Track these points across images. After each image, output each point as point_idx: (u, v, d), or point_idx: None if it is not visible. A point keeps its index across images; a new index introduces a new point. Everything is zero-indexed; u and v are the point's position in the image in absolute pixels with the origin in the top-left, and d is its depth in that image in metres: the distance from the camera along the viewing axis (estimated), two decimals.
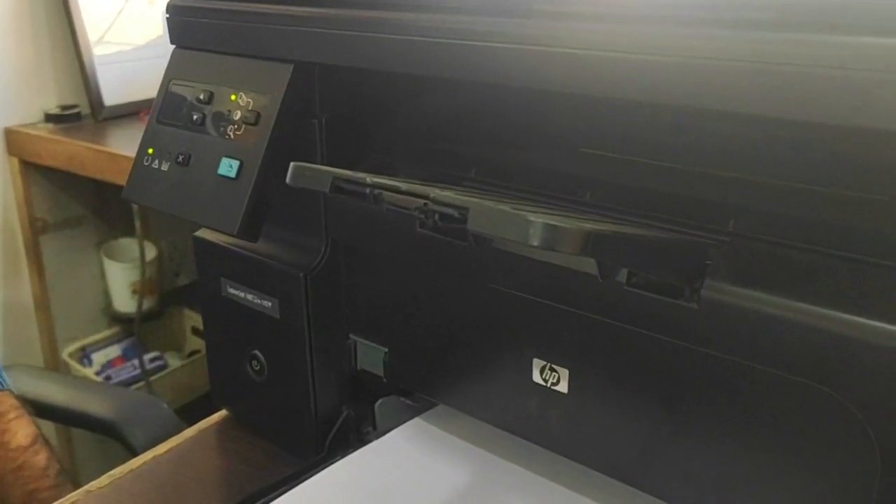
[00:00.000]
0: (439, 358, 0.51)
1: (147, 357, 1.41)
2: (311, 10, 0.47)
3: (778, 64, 0.32)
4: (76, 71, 1.31)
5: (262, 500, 0.51)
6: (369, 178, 0.35)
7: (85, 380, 1.28)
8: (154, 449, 0.59)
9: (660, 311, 0.39)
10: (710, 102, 0.34)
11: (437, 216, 0.33)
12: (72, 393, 0.82)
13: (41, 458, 0.73)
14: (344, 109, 0.52)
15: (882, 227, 0.36)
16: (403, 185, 0.35)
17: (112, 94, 1.32)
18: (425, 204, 0.34)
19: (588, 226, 0.31)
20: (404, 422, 0.56)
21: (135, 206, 1.25)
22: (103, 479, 0.56)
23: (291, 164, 0.39)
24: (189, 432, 0.61)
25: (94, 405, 0.79)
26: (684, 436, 0.41)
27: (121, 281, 1.39)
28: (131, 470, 0.57)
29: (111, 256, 1.40)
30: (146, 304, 1.40)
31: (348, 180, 0.36)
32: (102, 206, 1.40)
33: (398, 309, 0.53)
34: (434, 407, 0.57)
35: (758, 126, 0.39)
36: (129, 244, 1.41)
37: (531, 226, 0.30)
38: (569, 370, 0.45)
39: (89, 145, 1.19)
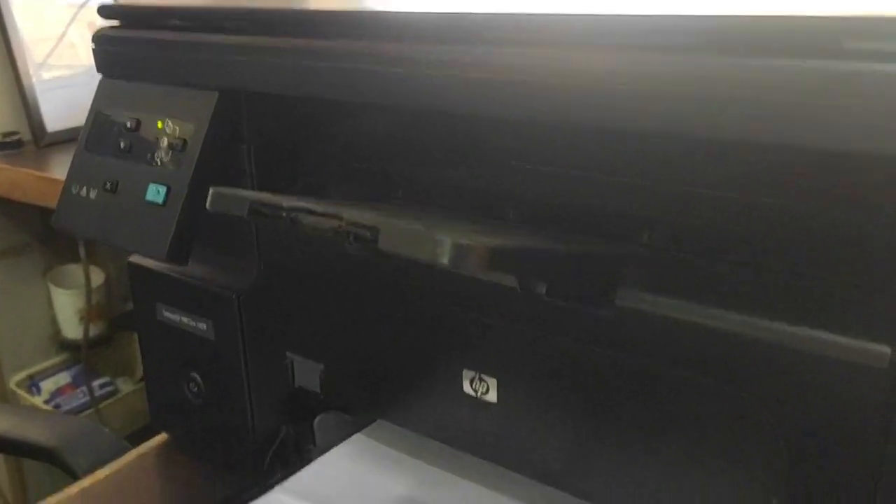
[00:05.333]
0: (374, 372, 0.52)
1: (97, 383, 1.39)
2: (235, 39, 0.48)
3: (686, 84, 0.33)
4: (16, 97, 1.29)
5: None
6: (285, 202, 0.36)
7: (27, 408, 1.26)
8: (94, 474, 0.59)
9: (579, 320, 0.41)
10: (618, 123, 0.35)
11: (351, 237, 0.34)
12: (12, 421, 0.80)
13: None
14: (273, 134, 0.52)
15: (784, 233, 0.38)
16: (318, 208, 0.36)
17: (55, 120, 1.30)
18: (339, 226, 0.35)
19: (494, 242, 0.32)
20: (345, 438, 0.57)
21: None
22: None
23: (211, 189, 0.39)
24: (129, 456, 0.61)
25: (35, 433, 0.77)
26: (608, 440, 0.42)
27: (68, 307, 1.38)
28: (69, 496, 0.56)
29: (58, 283, 1.38)
30: (96, 330, 1.38)
31: (265, 204, 0.37)
32: (47, 232, 1.38)
33: (332, 325, 0.53)
34: (374, 421, 0.58)
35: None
36: (75, 270, 1.39)
37: (439, 244, 0.31)
38: (497, 380, 0.46)
39: (31, 172, 1.18)
